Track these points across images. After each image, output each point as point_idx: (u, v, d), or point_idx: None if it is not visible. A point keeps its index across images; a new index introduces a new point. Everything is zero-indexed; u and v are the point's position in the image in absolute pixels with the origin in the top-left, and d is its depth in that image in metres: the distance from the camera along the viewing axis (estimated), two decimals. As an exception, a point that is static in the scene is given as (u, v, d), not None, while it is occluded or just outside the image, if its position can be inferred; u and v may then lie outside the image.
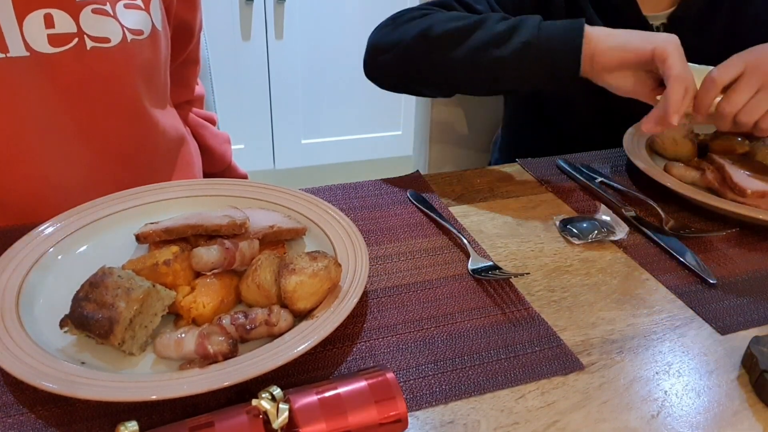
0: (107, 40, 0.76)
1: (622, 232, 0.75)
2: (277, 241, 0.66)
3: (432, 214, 0.77)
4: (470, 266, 0.68)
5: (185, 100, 1.01)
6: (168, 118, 0.91)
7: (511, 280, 0.66)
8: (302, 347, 0.52)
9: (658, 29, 1.00)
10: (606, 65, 0.78)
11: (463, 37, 0.82)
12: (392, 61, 0.88)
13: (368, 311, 0.61)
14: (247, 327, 0.53)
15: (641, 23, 1.00)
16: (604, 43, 0.78)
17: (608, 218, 0.77)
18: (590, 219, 0.77)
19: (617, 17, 1.00)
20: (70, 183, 0.80)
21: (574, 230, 0.75)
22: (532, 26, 0.80)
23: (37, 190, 0.78)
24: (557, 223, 0.77)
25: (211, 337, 0.52)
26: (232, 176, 1.09)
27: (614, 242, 0.74)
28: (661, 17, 1.00)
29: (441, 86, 0.90)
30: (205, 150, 1.03)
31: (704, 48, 1.01)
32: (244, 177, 1.11)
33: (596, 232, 0.75)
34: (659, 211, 0.79)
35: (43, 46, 0.73)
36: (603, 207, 0.79)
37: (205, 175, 1.02)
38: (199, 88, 1.05)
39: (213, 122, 1.08)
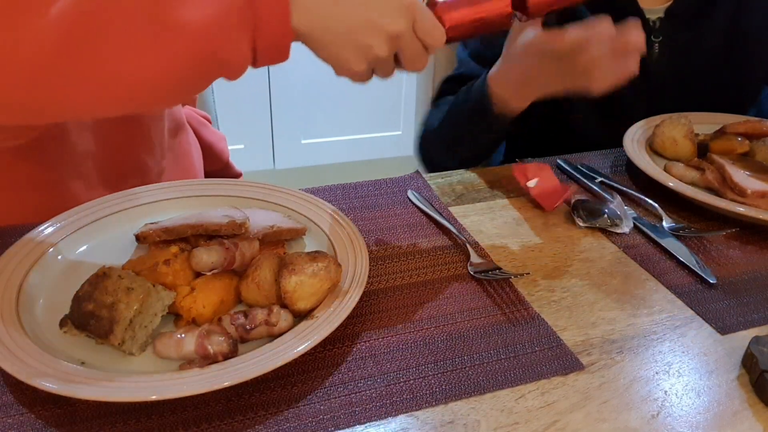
0: None
1: (626, 226, 0.75)
2: (277, 241, 0.66)
3: (432, 214, 0.77)
4: (470, 266, 0.68)
5: None
6: None
7: (511, 280, 0.66)
8: (302, 347, 0.52)
9: (654, 23, 1.00)
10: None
11: (445, 135, 1.00)
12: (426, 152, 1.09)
13: (368, 311, 0.61)
14: (247, 327, 0.53)
15: (637, 16, 0.99)
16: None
17: (619, 210, 0.78)
18: (603, 205, 0.78)
19: (613, 10, 0.99)
20: (78, 149, 0.78)
21: (582, 212, 0.76)
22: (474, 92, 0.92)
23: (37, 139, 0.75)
24: (572, 201, 0.79)
25: (211, 337, 0.52)
26: (229, 175, 1.09)
27: (615, 236, 0.74)
28: (658, 11, 1.00)
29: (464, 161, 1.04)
30: (205, 146, 1.03)
31: (702, 43, 1.01)
32: (239, 176, 1.11)
33: (602, 218, 0.76)
34: (659, 211, 0.79)
35: None
36: (618, 198, 0.79)
37: (205, 172, 1.03)
38: None
39: (209, 122, 1.08)
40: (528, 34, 0.78)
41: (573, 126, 1.08)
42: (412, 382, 0.54)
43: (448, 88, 1.09)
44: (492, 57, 0.94)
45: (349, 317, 0.56)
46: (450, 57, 1.19)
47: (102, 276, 0.54)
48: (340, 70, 0.58)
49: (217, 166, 1.07)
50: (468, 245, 0.70)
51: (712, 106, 1.02)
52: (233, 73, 0.53)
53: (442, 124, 1.00)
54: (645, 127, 0.94)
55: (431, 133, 1.04)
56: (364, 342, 0.58)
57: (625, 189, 0.84)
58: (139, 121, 0.85)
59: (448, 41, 0.61)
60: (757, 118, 0.92)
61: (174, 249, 0.60)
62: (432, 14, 0.59)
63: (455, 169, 0.89)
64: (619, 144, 0.91)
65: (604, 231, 0.76)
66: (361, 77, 0.59)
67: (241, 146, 2.49)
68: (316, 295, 0.57)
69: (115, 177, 0.82)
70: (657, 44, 1.01)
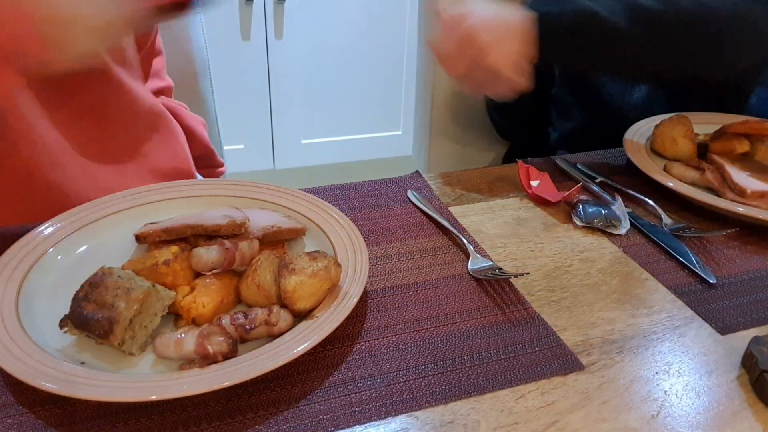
0: None
1: (624, 228, 0.75)
2: (276, 241, 0.66)
3: (432, 214, 0.77)
4: (470, 266, 0.68)
5: (156, 89, 1.01)
6: (142, 90, 0.89)
7: (510, 280, 0.66)
8: (302, 347, 0.52)
9: None
10: None
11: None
12: None
13: (368, 311, 0.61)
14: (247, 327, 0.53)
15: None
16: None
17: (619, 212, 0.78)
18: (603, 206, 0.79)
19: None
20: (47, 140, 0.79)
21: (581, 211, 0.76)
22: None
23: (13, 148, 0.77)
24: (574, 200, 0.80)
25: (211, 337, 0.52)
26: (211, 163, 1.08)
27: (615, 236, 0.75)
28: None
29: None
30: (186, 130, 1.02)
31: None
32: (221, 165, 1.11)
33: (600, 218, 0.76)
34: (659, 211, 0.79)
35: None
36: (620, 199, 0.79)
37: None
38: (168, 80, 1.05)
39: (185, 108, 1.08)
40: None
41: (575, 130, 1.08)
42: (412, 382, 0.54)
43: None
44: None
45: (349, 317, 0.56)
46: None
47: (102, 276, 0.54)
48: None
49: (200, 151, 1.06)
50: (468, 245, 0.71)
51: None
52: None
53: None
54: (645, 127, 0.94)
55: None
56: (364, 342, 0.58)
57: (625, 189, 0.84)
58: (118, 96, 0.84)
59: None
60: (756, 118, 0.92)
61: (174, 249, 0.60)
62: None
63: (516, 133, 0.89)
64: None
65: (603, 231, 0.76)
66: None
67: (241, 146, 2.49)
68: (316, 295, 0.57)
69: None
70: None
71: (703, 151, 0.89)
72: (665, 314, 0.63)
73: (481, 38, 0.75)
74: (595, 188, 0.84)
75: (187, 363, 0.52)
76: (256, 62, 2.36)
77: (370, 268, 0.62)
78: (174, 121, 0.98)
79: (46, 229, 0.66)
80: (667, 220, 0.77)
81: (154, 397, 0.47)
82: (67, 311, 0.53)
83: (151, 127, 0.92)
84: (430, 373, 0.55)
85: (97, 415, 0.49)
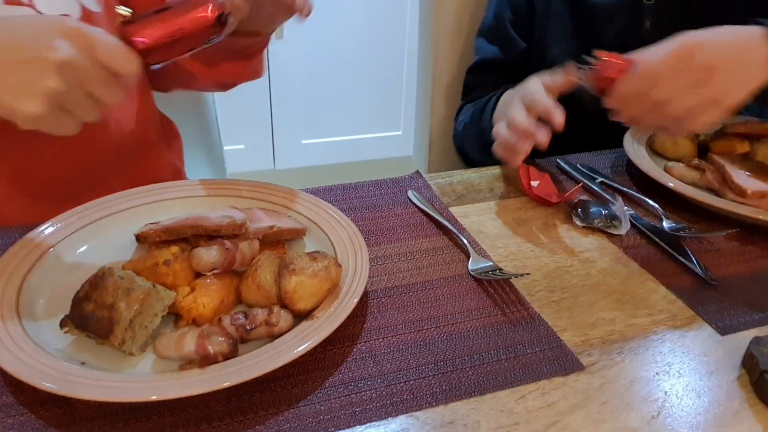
0: None
1: (624, 228, 0.75)
2: (277, 241, 0.66)
3: (432, 215, 0.77)
4: (470, 267, 0.68)
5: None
6: (132, 109, 0.83)
7: (511, 280, 0.66)
8: (302, 348, 0.52)
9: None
10: None
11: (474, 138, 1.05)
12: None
13: (368, 312, 0.61)
14: (247, 327, 0.53)
15: None
16: None
17: (619, 212, 0.78)
18: (603, 206, 0.79)
19: None
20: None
21: (581, 211, 0.76)
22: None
23: None
24: (574, 200, 0.80)
25: (211, 337, 0.52)
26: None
27: (616, 236, 0.75)
28: None
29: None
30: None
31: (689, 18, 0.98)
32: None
33: (600, 218, 0.76)
34: (659, 211, 0.79)
35: None
36: (620, 200, 0.79)
37: None
38: None
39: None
40: None
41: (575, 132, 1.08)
42: (412, 382, 0.54)
43: (473, 81, 1.10)
44: (504, 33, 0.92)
45: (349, 317, 0.56)
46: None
47: (102, 276, 0.54)
48: (14, 117, 0.52)
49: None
50: (468, 245, 0.70)
51: None
52: None
53: (469, 126, 1.03)
54: (645, 127, 0.94)
55: (463, 133, 1.07)
56: (364, 342, 0.58)
57: (625, 189, 0.84)
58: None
59: (153, 63, 0.57)
60: (757, 119, 0.92)
61: (174, 249, 0.60)
62: (116, 38, 0.55)
63: (492, 165, 0.89)
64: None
65: (603, 231, 0.76)
66: (52, 121, 0.53)
67: (241, 146, 2.49)
68: (317, 295, 0.57)
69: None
70: (648, 22, 0.98)
71: (703, 151, 0.89)
72: (665, 315, 0.63)
73: (720, 77, 0.66)
74: (596, 188, 0.84)
75: (187, 363, 0.52)
76: (256, 62, 2.36)
77: (370, 269, 0.62)
78: (173, 135, 0.92)
79: (47, 229, 0.66)
80: (667, 220, 0.77)
81: (154, 398, 0.47)
82: (67, 311, 0.53)
83: (135, 149, 0.86)
84: (430, 373, 0.55)
85: (97, 415, 0.49)
